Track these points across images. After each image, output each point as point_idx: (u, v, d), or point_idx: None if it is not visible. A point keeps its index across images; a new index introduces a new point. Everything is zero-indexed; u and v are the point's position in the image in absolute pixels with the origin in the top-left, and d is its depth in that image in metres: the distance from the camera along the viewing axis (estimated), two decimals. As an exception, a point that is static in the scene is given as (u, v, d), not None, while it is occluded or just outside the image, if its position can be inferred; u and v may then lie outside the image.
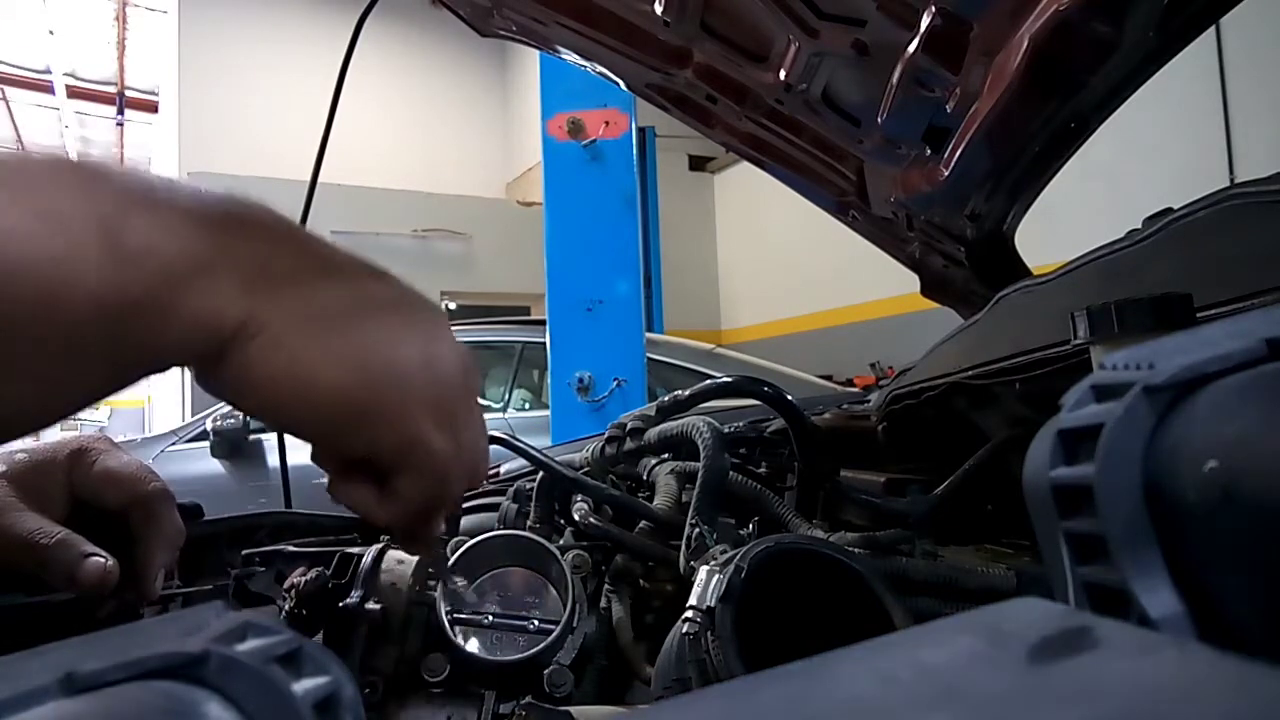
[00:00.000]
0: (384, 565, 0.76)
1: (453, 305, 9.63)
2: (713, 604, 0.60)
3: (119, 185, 0.35)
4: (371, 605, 0.73)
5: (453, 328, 0.45)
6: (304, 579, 0.74)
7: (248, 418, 3.50)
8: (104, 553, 0.60)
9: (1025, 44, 0.89)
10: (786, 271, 9.95)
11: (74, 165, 0.35)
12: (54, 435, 0.69)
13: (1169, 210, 0.77)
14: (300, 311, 0.38)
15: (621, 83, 1.40)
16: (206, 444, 3.65)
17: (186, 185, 0.38)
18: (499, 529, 0.87)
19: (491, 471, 1.19)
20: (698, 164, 11.56)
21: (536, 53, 1.68)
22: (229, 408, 2.62)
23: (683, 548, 0.74)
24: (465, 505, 0.96)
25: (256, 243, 0.38)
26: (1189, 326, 0.40)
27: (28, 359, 0.32)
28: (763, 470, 0.99)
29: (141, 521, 0.65)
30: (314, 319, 0.38)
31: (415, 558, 0.77)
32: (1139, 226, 0.80)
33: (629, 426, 0.97)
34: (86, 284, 0.32)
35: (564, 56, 1.40)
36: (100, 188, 0.34)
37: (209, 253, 0.35)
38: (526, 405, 4.67)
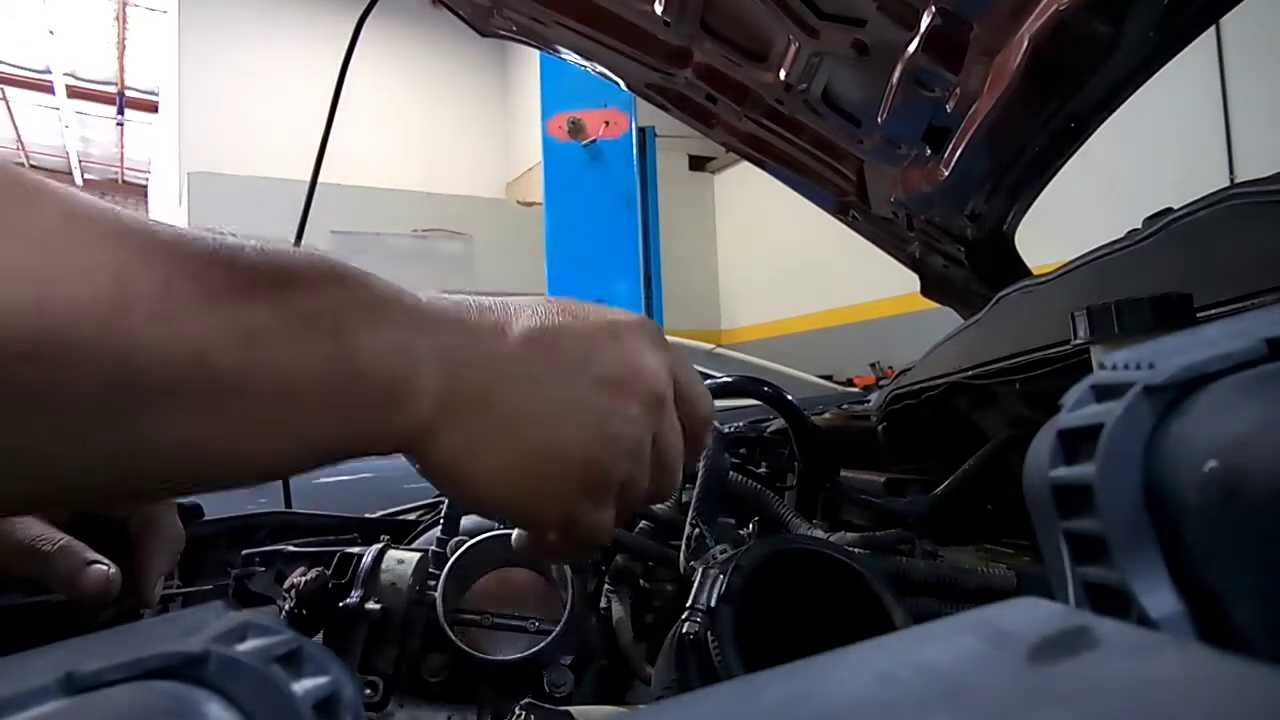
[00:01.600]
0: (384, 565, 0.76)
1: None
2: (713, 604, 0.60)
3: (353, 294, 0.39)
4: (371, 605, 0.73)
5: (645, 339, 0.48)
6: (304, 579, 0.74)
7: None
8: (106, 560, 0.60)
9: (1025, 44, 0.89)
10: (786, 271, 9.93)
11: (323, 267, 0.39)
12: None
13: (1169, 210, 0.77)
14: (484, 413, 0.42)
15: (621, 83, 1.40)
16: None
17: (396, 289, 0.42)
18: (499, 529, 0.87)
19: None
20: (698, 164, 11.54)
21: (536, 53, 1.68)
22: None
23: (683, 548, 0.74)
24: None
25: (449, 345, 0.42)
26: (1189, 326, 0.40)
27: (271, 431, 0.37)
28: (763, 470, 0.99)
29: (142, 527, 0.65)
30: (494, 420, 0.43)
31: (415, 557, 0.77)
32: (1139, 226, 0.80)
33: (629, 426, 0.97)
34: (318, 389, 0.37)
35: (564, 56, 1.40)
36: (337, 297, 0.39)
37: (417, 369, 0.40)
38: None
